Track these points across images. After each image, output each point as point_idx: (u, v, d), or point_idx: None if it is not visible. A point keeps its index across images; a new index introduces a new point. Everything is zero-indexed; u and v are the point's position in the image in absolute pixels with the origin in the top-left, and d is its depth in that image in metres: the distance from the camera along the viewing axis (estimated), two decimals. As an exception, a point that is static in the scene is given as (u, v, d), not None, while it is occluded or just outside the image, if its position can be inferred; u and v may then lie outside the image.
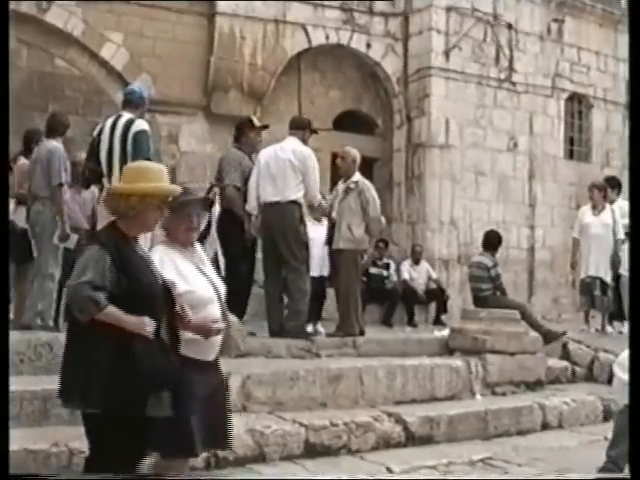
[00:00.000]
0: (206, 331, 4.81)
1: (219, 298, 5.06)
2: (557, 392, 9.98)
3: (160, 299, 4.53)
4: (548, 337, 10.93)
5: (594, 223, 12.69)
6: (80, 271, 4.31)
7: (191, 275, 4.97)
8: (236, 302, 9.49)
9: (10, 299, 8.18)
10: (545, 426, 9.05)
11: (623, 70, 19.23)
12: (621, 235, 12.58)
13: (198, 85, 14.59)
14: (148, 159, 8.62)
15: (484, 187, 16.64)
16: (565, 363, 11.25)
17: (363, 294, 11.15)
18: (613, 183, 13.10)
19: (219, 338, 4.97)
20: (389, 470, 6.91)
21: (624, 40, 19.13)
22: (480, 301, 11.24)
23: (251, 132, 9.87)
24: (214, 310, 4.98)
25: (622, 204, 12.45)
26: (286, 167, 9.33)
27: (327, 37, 15.65)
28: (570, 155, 18.61)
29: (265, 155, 9.59)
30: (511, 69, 17.24)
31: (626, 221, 11.80)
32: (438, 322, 14.31)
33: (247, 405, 7.49)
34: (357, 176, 10.18)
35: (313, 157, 9.56)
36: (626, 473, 4.58)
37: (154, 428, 4.45)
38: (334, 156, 12.58)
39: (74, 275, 4.35)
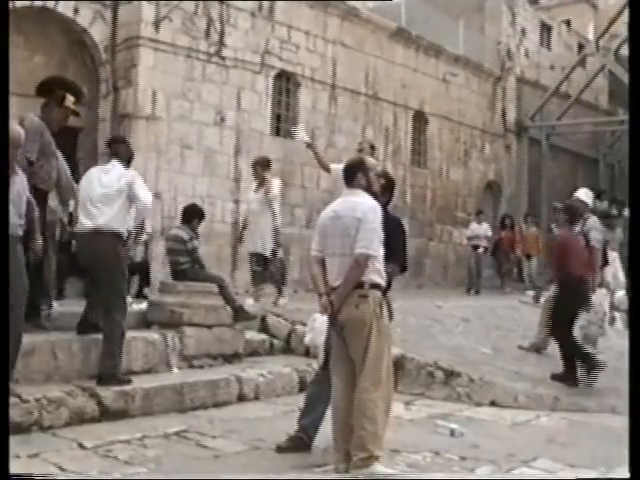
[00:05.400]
0: None
1: None
2: (255, 364, 10.21)
3: None
4: (239, 315, 10.91)
5: (254, 199, 13.01)
6: None
7: None
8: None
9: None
10: (242, 398, 9.25)
11: (331, 51, 19.88)
12: (276, 210, 12.90)
13: None
14: None
15: (190, 160, 16.65)
16: (264, 336, 11.53)
17: (64, 266, 10.90)
18: None
19: None
20: (81, 446, 6.83)
21: (333, 22, 19.84)
22: (178, 274, 11.21)
23: (57, 108, 8.73)
24: None
25: None
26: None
27: (32, -1, 15.05)
28: (277, 132, 19.01)
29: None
30: (221, 44, 17.33)
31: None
32: (140, 295, 14.19)
33: None
34: None
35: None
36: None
37: None
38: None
39: None
